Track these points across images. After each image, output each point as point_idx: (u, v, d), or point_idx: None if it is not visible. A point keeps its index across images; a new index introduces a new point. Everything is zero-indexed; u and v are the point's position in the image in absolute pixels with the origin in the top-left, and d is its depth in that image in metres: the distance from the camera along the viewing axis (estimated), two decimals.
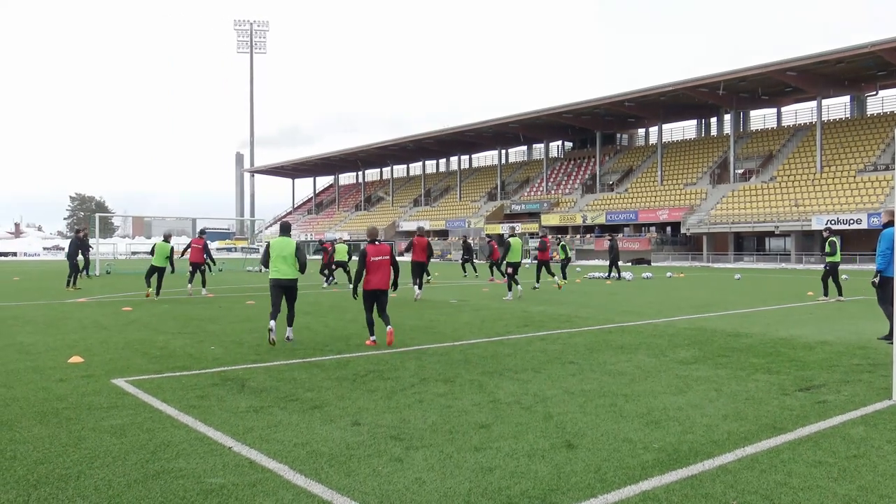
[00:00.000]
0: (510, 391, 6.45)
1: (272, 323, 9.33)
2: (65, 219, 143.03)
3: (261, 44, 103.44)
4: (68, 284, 21.54)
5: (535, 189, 69.24)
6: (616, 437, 4.94)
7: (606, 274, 27.69)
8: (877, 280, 9.50)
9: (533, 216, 62.33)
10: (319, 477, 4.16)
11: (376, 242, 9.68)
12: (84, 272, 25.40)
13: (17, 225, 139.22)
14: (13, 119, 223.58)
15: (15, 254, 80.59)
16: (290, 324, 9.87)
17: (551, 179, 68.50)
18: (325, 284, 23.36)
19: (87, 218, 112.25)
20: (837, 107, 56.48)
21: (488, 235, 58.26)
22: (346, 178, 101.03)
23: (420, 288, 17.31)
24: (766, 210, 46.39)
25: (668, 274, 31.20)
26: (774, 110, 59.76)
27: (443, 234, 70.53)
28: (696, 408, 5.82)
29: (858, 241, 41.73)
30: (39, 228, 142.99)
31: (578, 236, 56.00)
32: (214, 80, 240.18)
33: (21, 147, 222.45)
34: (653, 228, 53.49)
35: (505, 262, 17.53)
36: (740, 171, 53.97)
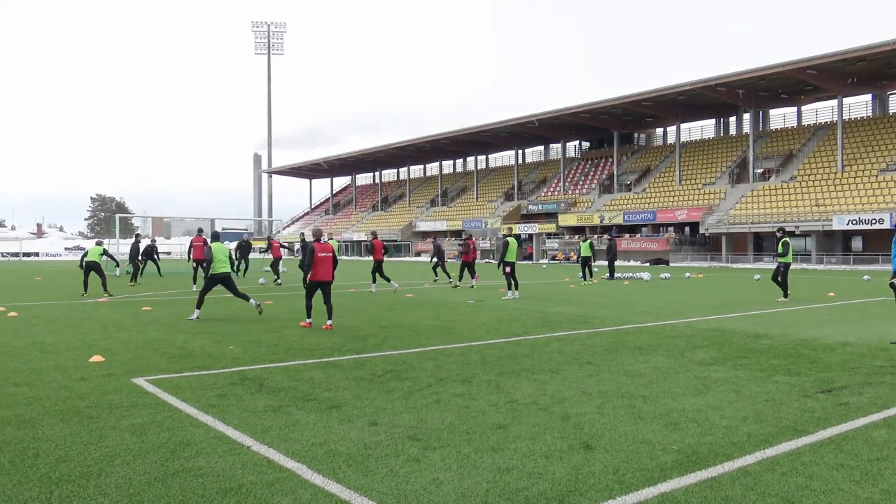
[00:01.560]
0: (527, 392, 6.43)
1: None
2: (85, 219, 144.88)
3: (278, 45, 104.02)
4: (133, 279, 24.26)
5: (552, 189, 69.02)
6: (634, 439, 4.92)
7: (609, 275, 27.41)
8: (895, 281, 9.39)
9: (550, 216, 62.13)
10: (337, 476, 4.17)
11: (321, 241, 11.68)
12: (134, 276, 25.05)
13: (39, 226, 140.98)
14: (35, 120, 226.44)
15: (37, 254, 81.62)
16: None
17: (568, 179, 68.26)
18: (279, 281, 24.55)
19: (108, 219, 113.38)
20: (859, 105, 55.76)
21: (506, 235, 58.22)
22: (364, 179, 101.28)
23: (374, 282, 20.11)
24: (786, 210, 45.93)
25: (687, 274, 30.98)
26: (794, 109, 59.10)
27: (460, 234, 70.47)
28: (715, 409, 5.77)
29: (881, 242, 41.17)
30: (61, 229, 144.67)
31: (595, 236, 55.79)
32: (233, 82, 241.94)
33: (43, 149, 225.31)
34: (671, 228, 53.12)
35: (502, 261, 17.76)
36: (760, 171, 53.48)
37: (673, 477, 4.14)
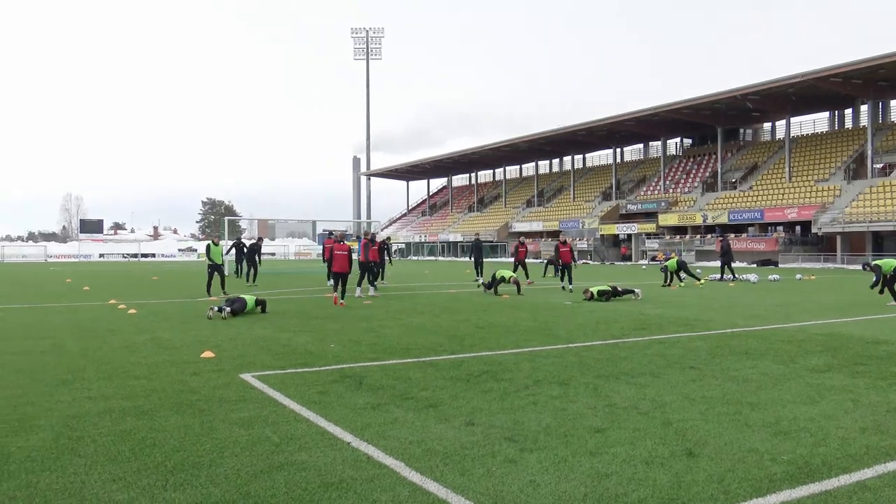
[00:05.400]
0: (627, 396, 6.30)
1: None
2: (197, 222, 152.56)
3: (376, 50, 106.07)
4: (248, 280, 24.79)
5: (651, 188, 67.22)
6: (741, 447, 4.72)
7: (719, 276, 26.50)
8: None
9: (649, 216, 60.51)
10: (434, 475, 4.21)
11: (340, 242, 17.38)
12: (249, 278, 25.13)
13: (155, 228, 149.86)
14: (152, 125, 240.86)
15: (154, 255, 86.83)
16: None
17: (669, 178, 66.28)
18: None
19: (218, 221, 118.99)
20: None
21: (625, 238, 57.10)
22: (460, 180, 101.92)
23: (359, 286, 18.86)
24: None
25: (798, 276, 29.44)
26: None
27: (557, 235, 69.78)
28: (829, 419, 5.46)
29: None
30: (175, 231, 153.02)
31: (699, 237, 53.88)
32: (334, 86, 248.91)
33: (158, 152, 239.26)
34: (780, 228, 50.63)
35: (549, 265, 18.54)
36: (879, 166, 50.11)
37: (783, 489, 3.95)
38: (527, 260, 25.24)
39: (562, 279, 21.43)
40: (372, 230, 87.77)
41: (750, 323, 12.14)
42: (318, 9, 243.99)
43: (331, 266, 23.63)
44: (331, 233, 25.92)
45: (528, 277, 24.19)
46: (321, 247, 21.98)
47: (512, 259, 31.23)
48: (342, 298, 16.26)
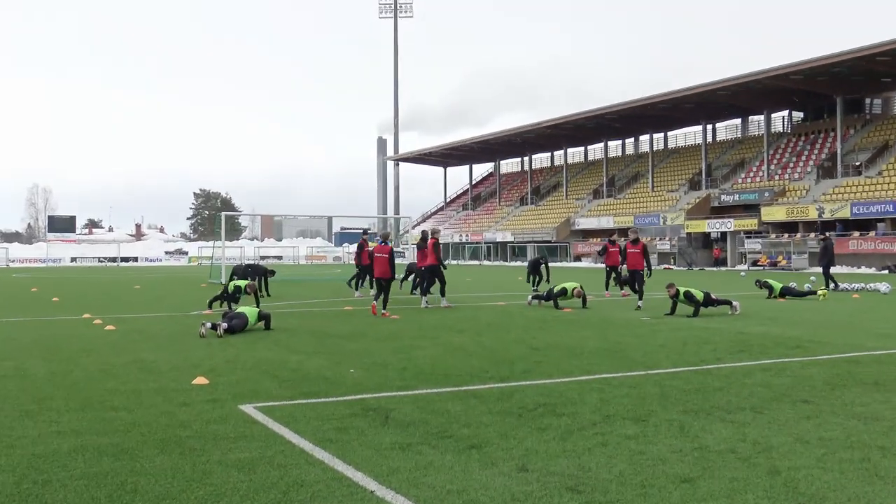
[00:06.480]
0: (722, 436, 6.22)
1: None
2: (188, 218, 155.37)
3: (406, 6, 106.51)
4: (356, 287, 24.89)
5: (752, 174, 66.38)
6: None
7: (833, 284, 26.04)
8: None
9: (749, 209, 59.72)
10: None
11: (384, 243, 18.12)
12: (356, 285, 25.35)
13: (138, 226, 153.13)
14: (138, 107, 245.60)
15: (136, 259, 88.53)
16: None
17: (774, 161, 65.35)
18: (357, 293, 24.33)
19: (213, 218, 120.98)
20: None
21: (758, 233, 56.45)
22: (509, 166, 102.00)
23: (423, 295, 19.88)
24: None
25: None
26: None
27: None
28: None
29: None
30: (161, 230, 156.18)
31: (813, 235, 52.95)
32: (353, 51, 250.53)
33: (141, 136, 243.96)
34: None
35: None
36: None
37: None
38: (597, 266, 25.04)
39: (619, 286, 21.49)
40: (401, 227, 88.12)
41: (880, 345, 11.92)
42: None
43: (363, 272, 23.97)
44: (366, 230, 26.41)
45: (621, 288, 23.67)
46: (343, 248, 22.17)
47: (575, 263, 30.85)
48: (384, 308, 17.09)
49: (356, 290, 24.25)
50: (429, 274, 19.90)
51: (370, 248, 21.07)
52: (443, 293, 19.57)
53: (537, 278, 26.71)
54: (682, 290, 16.84)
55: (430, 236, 20.54)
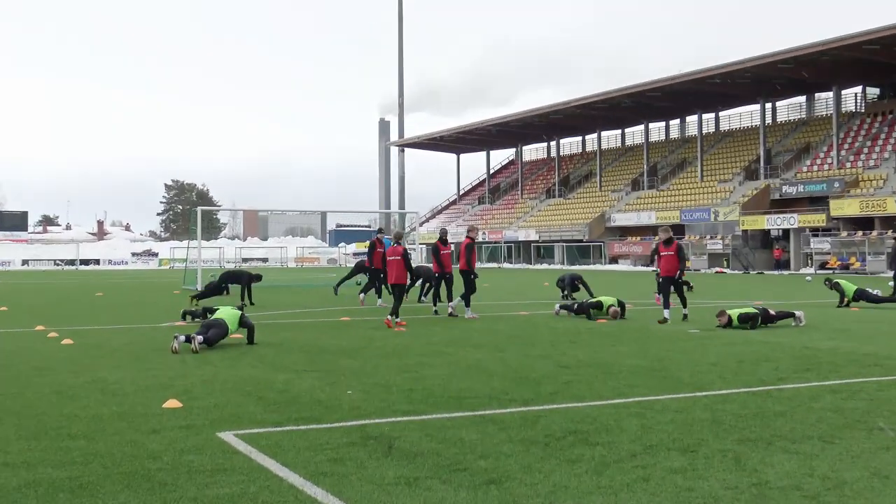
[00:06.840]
0: (785, 470, 6.20)
1: None
2: (158, 214, 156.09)
3: None
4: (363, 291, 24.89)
5: (818, 161, 66.16)
6: None
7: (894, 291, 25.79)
8: None
9: (816, 202, 59.50)
10: None
11: (397, 244, 18.32)
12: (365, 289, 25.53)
13: (100, 223, 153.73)
14: (100, 88, 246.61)
15: (98, 261, 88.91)
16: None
17: (845, 146, 65.14)
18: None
19: (187, 214, 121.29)
20: None
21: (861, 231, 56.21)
22: (534, 152, 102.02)
23: (449, 301, 20.18)
24: None
25: None
26: None
27: (677, 229, 69.15)
28: None
29: None
30: (127, 228, 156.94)
31: (891, 232, 52.68)
32: (351, 17, 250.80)
33: (104, 121, 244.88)
34: None
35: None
36: None
37: None
38: (637, 270, 24.74)
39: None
40: (407, 224, 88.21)
41: None
42: None
43: (374, 277, 24.19)
44: (380, 229, 27.42)
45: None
46: (339, 248, 22.00)
47: (611, 266, 30.81)
48: (397, 316, 17.43)
49: (362, 294, 24.34)
50: (455, 279, 20.21)
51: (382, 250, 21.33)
52: (467, 302, 19.53)
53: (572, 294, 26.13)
54: (734, 314, 16.63)
55: (448, 235, 20.99)
